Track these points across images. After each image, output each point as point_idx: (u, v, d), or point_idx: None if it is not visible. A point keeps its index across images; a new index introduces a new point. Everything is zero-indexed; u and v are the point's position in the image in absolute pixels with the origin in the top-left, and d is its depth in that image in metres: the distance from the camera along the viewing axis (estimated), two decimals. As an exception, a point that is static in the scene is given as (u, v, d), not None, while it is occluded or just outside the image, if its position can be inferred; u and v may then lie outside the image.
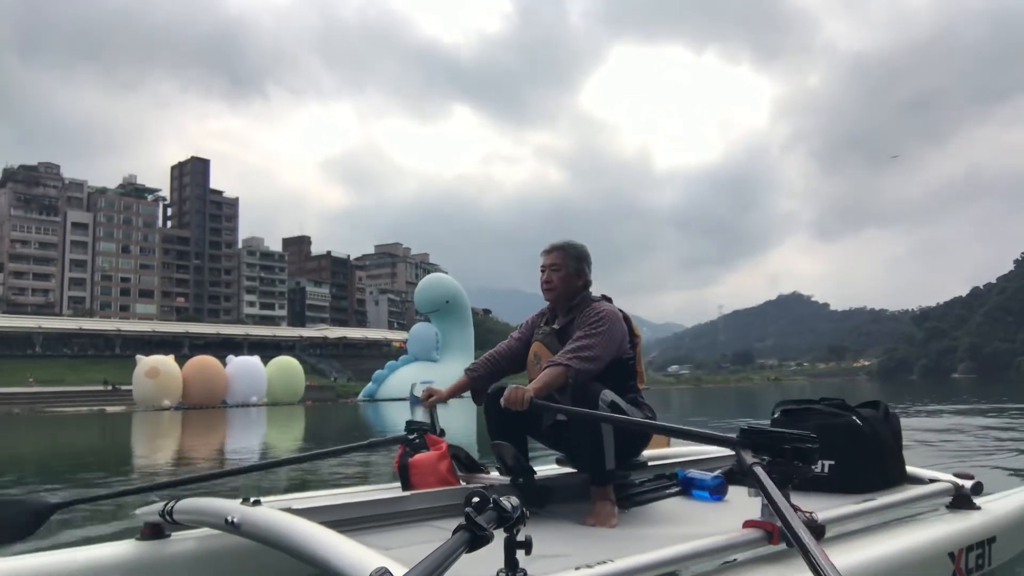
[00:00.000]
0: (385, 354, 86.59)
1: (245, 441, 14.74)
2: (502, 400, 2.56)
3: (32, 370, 60.58)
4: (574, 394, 2.62)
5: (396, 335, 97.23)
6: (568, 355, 2.66)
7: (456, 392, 3.03)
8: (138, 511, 2.46)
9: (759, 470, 1.93)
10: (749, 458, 1.99)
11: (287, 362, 49.64)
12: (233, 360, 45.50)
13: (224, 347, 68.27)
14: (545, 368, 2.68)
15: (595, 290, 2.99)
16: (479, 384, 2.97)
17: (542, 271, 2.96)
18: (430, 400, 3.04)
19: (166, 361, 42.57)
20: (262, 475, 6.53)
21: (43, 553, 2.32)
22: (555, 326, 2.93)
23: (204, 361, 44.37)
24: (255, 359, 46.60)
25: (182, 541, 2.40)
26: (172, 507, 2.28)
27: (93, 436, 17.96)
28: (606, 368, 2.72)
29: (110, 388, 54.10)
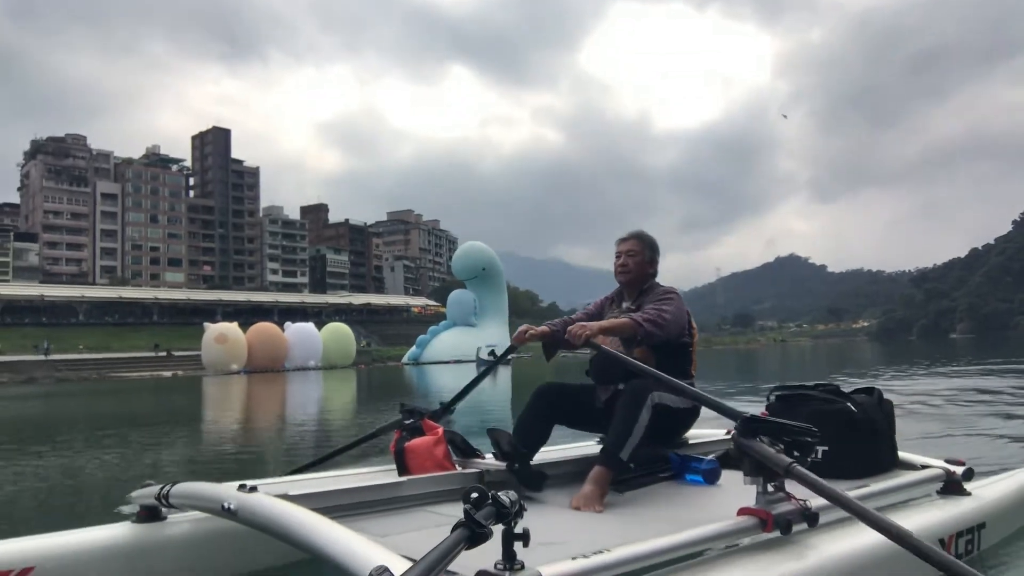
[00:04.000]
0: (406, 319, 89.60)
1: (358, 398, 17.19)
2: (567, 333, 2.82)
3: (79, 338, 63.29)
4: (629, 389, 2.73)
5: (415, 301, 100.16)
6: (641, 315, 2.86)
7: (542, 336, 3.07)
8: (133, 494, 2.46)
9: (788, 463, 1.99)
10: (764, 448, 2.03)
11: (340, 328, 52.29)
12: (291, 326, 48.13)
13: (254, 314, 70.45)
14: (619, 316, 2.92)
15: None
16: (554, 339, 3.05)
17: (617, 256, 3.14)
18: (528, 335, 3.02)
19: (232, 328, 45.08)
20: (255, 457, 6.92)
21: (38, 536, 2.29)
22: (627, 305, 3.11)
23: (266, 327, 46.97)
24: (310, 325, 49.24)
25: (178, 524, 2.40)
26: (168, 491, 2.28)
27: (230, 398, 18.71)
28: (667, 352, 2.91)
29: (164, 353, 56.88)
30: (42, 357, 51.53)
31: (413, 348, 56.26)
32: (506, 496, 1.41)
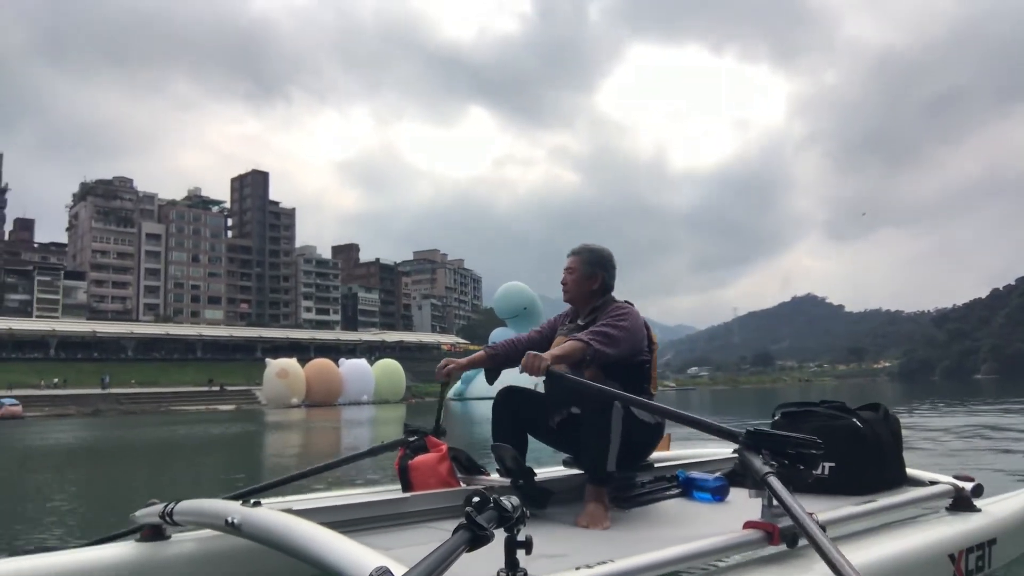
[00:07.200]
0: (435, 357, 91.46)
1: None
2: (520, 365, 2.62)
3: (129, 373, 65.58)
4: (592, 402, 2.61)
5: (445, 338, 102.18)
6: (589, 334, 2.71)
7: (473, 365, 2.99)
8: (137, 513, 2.46)
9: (765, 472, 1.97)
10: (753, 459, 2.02)
11: (391, 364, 54.27)
12: (345, 363, 50.08)
13: (292, 350, 72.64)
14: (567, 340, 2.76)
15: (615, 294, 3.04)
16: (496, 363, 2.98)
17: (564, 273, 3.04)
18: (447, 369, 2.90)
19: (293, 363, 47.07)
20: (260, 475, 6.90)
21: (43, 554, 2.32)
22: (579, 322, 2.97)
23: (323, 364, 48.95)
24: (363, 362, 51.22)
25: (182, 542, 2.42)
26: (172, 508, 2.29)
27: (333, 431, 19.07)
28: (622, 369, 2.76)
29: (217, 388, 58.95)
30: (100, 391, 53.79)
31: (458, 384, 58.00)
32: (508, 501, 1.43)
